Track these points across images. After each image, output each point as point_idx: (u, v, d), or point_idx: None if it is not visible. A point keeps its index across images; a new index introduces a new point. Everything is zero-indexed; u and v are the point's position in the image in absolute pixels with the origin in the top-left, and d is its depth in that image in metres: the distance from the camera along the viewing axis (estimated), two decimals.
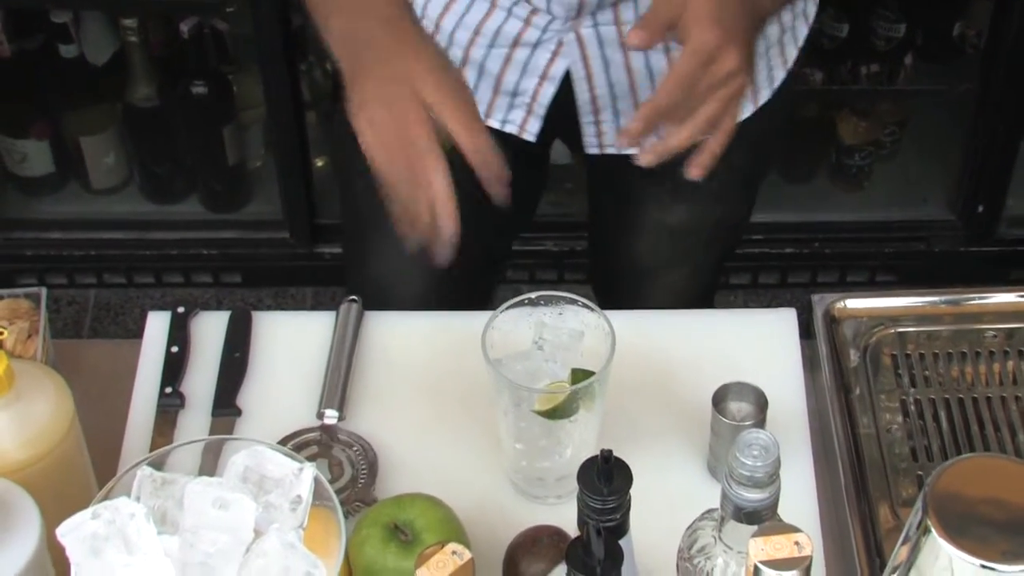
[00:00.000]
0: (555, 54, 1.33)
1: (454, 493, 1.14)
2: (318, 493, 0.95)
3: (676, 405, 1.23)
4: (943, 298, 1.30)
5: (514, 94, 1.37)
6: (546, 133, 1.40)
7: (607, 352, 1.12)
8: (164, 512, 0.90)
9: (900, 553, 0.89)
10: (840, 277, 2.43)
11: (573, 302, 1.16)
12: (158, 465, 0.97)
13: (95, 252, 2.41)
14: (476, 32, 1.34)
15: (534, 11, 1.31)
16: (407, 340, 1.30)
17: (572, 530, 1.01)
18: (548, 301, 1.16)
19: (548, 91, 1.36)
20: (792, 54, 1.41)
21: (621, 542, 0.95)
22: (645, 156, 1.14)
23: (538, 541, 1.09)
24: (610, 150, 1.41)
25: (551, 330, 1.16)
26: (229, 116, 2.34)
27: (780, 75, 1.40)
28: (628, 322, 1.20)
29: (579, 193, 1.52)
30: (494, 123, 1.40)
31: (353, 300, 1.32)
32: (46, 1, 2.14)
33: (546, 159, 1.55)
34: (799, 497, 1.15)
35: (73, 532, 0.87)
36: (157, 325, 1.31)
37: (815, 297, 1.29)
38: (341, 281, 2.42)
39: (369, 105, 1.13)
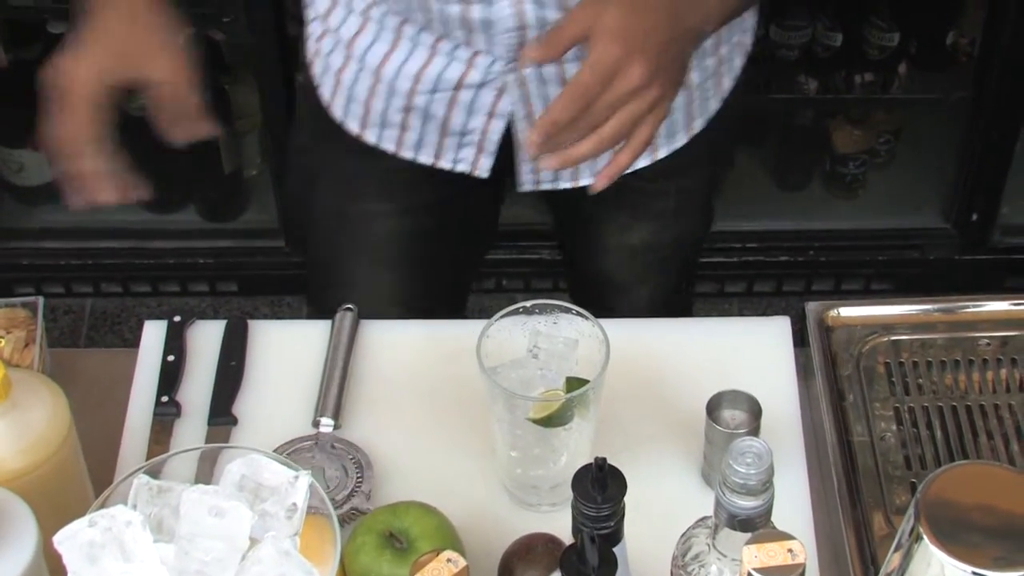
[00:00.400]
0: (500, 92, 1.33)
1: (449, 501, 1.15)
2: (313, 501, 0.96)
3: (670, 413, 1.24)
4: (937, 306, 1.30)
5: (463, 133, 1.37)
6: (495, 169, 1.40)
7: (601, 360, 1.12)
8: (160, 520, 0.90)
9: (892, 560, 0.90)
10: (835, 285, 2.44)
11: (567, 311, 1.16)
12: (154, 473, 0.98)
13: (92, 261, 2.41)
14: (417, 80, 1.34)
15: (476, 53, 1.30)
16: (402, 348, 1.31)
17: (567, 538, 1.02)
18: (543, 310, 1.16)
19: (497, 127, 1.35)
20: (728, 85, 1.41)
21: (615, 550, 0.95)
22: (595, 183, 1.16)
23: (533, 549, 1.10)
24: (546, 186, 1.41)
25: (546, 338, 1.17)
26: (225, 125, 2.34)
27: (715, 105, 1.41)
28: (622, 330, 1.20)
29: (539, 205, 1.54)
30: (445, 163, 1.40)
31: (348, 308, 1.32)
32: (44, 11, 2.15)
33: (502, 190, 1.54)
34: (793, 504, 1.15)
35: (70, 540, 0.87)
36: (153, 334, 1.32)
37: (809, 305, 1.30)
38: None
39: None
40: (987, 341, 1.28)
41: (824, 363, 1.26)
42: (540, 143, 1.11)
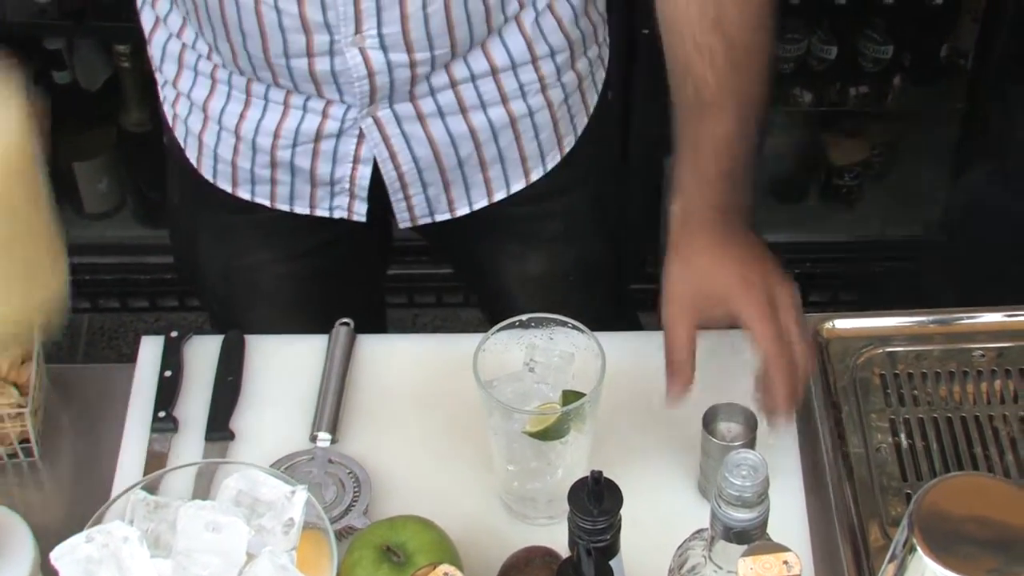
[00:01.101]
0: (360, 138, 1.33)
1: (446, 515, 1.15)
2: (310, 516, 0.96)
3: (666, 426, 1.24)
4: (932, 318, 1.31)
5: (332, 183, 1.37)
6: (372, 211, 1.40)
7: (598, 374, 1.13)
8: (157, 536, 0.91)
9: (887, 571, 0.90)
10: (832, 296, 2.44)
11: (564, 324, 1.16)
12: (152, 489, 0.98)
13: (89, 277, 2.41)
14: (276, 135, 1.34)
15: (329, 103, 1.30)
16: (399, 362, 1.31)
17: (564, 550, 1.02)
18: (539, 323, 1.17)
19: (365, 173, 1.36)
20: (593, 99, 1.42)
21: (612, 562, 0.96)
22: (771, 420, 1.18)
23: (530, 562, 1.10)
24: (423, 221, 1.41)
25: (542, 352, 1.17)
26: None
27: (583, 121, 1.41)
28: (619, 344, 1.21)
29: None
30: (322, 212, 1.40)
31: (345, 323, 1.33)
32: (40, 28, 2.15)
33: (387, 229, 1.53)
34: (789, 516, 1.15)
35: (67, 556, 0.88)
36: (150, 349, 1.32)
37: (804, 316, 1.30)
38: None
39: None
40: (982, 353, 1.29)
41: (819, 375, 1.26)
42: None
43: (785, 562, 0.86)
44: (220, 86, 1.33)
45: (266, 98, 1.32)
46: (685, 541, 0.99)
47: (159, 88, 1.42)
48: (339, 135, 1.33)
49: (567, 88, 1.37)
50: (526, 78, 1.34)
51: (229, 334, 1.33)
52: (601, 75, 1.42)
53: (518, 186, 1.41)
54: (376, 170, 1.36)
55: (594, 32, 1.38)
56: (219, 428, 1.25)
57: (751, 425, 1.16)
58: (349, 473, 1.21)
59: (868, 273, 2.41)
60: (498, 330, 1.16)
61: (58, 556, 0.88)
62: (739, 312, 1.16)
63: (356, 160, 1.35)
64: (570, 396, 1.13)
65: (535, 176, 1.41)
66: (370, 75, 1.26)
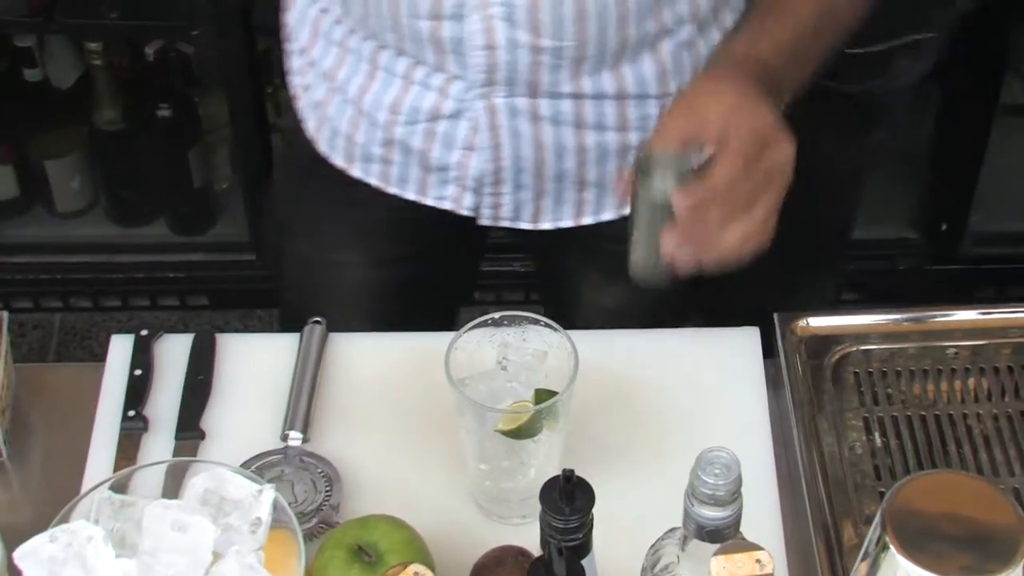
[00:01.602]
0: (476, 125, 1.31)
1: (418, 514, 1.14)
2: (278, 515, 0.95)
3: (640, 424, 1.24)
4: (906, 316, 1.30)
5: (443, 169, 1.35)
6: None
7: (570, 372, 1.12)
8: (123, 535, 0.90)
9: (860, 569, 0.90)
10: None
11: (536, 322, 1.16)
12: (120, 488, 0.97)
13: (61, 276, 2.40)
14: (394, 111, 1.33)
15: (449, 80, 1.29)
16: (371, 361, 1.30)
17: (536, 550, 1.01)
18: (511, 321, 1.16)
19: (476, 162, 1.34)
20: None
21: (584, 562, 0.95)
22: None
23: (503, 561, 1.09)
24: (504, 223, 1.40)
25: (515, 350, 1.16)
26: (195, 139, 2.34)
27: None
28: (592, 342, 1.20)
29: None
30: (431, 200, 1.39)
31: (317, 321, 1.32)
32: (10, 25, 2.14)
33: (481, 242, 1.53)
34: (762, 515, 1.15)
35: (30, 556, 0.87)
36: (120, 349, 1.31)
37: (777, 316, 1.29)
38: None
39: None
40: (956, 351, 1.29)
41: (793, 374, 1.26)
42: (685, 214, 1.08)
43: (758, 561, 0.86)
44: (349, 56, 1.33)
45: (391, 70, 1.31)
46: (658, 540, 0.99)
47: (289, 60, 1.42)
48: (455, 117, 1.31)
49: None
50: (652, 111, 1.31)
51: (199, 332, 1.32)
52: None
53: (607, 216, 1.38)
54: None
55: None
56: (189, 427, 1.24)
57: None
58: (321, 472, 1.20)
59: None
60: (470, 328, 1.16)
61: (21, 556, 0.87)
62: (709, 129, 1.10)
63: (470, 148, 1.33)
64: (543, 394, 1.12)
65: (628, 210, 1.38)
66: (491, 48, 1.24)
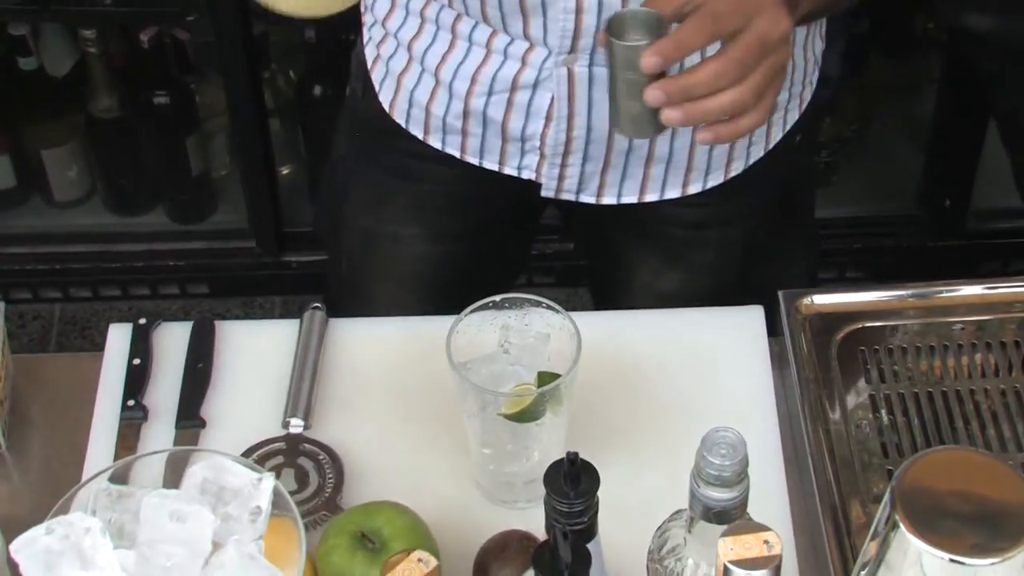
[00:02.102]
0: (554, 95, 1.29)
1: (422, 500, 1.13)
2: (279, 503, 0.94)
3: (644, 405, 1.23)
4: (910, 292, 1.29)
5: (523, 139, 1.33)
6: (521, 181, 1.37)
7: (573, 354, 1.11)
8: (121, 526, 0.89)
9: (869, 549, 0.89)
10: None
11: (538, 304, 1.15)
12: (120, 479, 0.96)
13: (60, 266, 2.39)
14: (473, 81, 1.31)
15: (530, 47, 1.27)
16: (373, 346, 1.29)
17: (542, 534, 1.00)
18: (513, 304, 1.15)
19: (555, 132, 1.32)
20: (776, 135, 1.36)
21: (589, 545, 0.94)
22: (704, 133, 1.06)
23: (507, 546, 1.08)
24: (566, 196, 1.37)
25: (516, 333, 1.15)
26: (192, 126, 2.32)
27: (758, 152, 1.37)
28: (595, 323, 1.19)
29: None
30: (511, 170, 1.37)
31: (317, 307, 1.30)
32: (3, 13, 2.12)
33: (535, 222, 1.52)
34: (769, 495, 1.14)
35: (27, 548, 0.86)
36: (118, 338, 1.30)
37: (781, 293, 1.28)
38: (309, 289, 2.42)
39: None
40: (962, 326, 1.27)
41: (798, 352, 1.25)
42: (654, 68, 1.00)
43: (766, 541, 0.85)
44: (428, 25, 1.32)
45: (470, 39, 1.30)
46: (664, 522, 0.98)
47: (364, 30, 1.41)
48: (535, 87, 1.29)
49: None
50: None
51: (198, 320, 1.31)
52: (794, 116, 1.37)
53: (672, 193, 1.36)
54: None
55: (804, 67, 1.34)
56: (189, 416, 1.23)
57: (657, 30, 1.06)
58: (323, 459, 1.19)
59: (845, 250, 2.40)
60: (471, 311, 1.14)
61: (17, 548, 0.86)
62: None
63: (548, 117, 1.31)
64: (546, 377, 1.11)
65: (692, 190, 1.36)
66: (578, 11, 1.22)
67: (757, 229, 1.46)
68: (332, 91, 2.23)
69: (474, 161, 1.38)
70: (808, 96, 1.39)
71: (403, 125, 1.39)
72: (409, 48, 1.35)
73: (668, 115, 1.03)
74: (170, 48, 2.25)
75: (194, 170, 2.35)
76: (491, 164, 1.37)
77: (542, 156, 1.34)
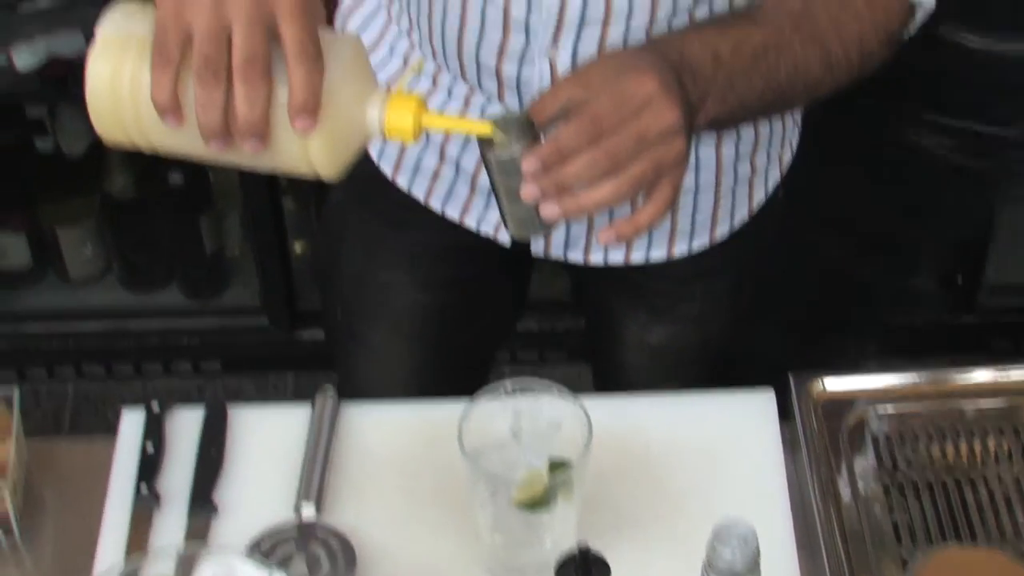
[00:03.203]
0: None
1: None
2: None
3: (656, 491, 1.22)
4: (922, 377, 1.29)
5: (489, 194, 1.35)
6: (514, 255, 1.38)
7: (584, 441, 1.11)
8: None
9: None
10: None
11: (549, 390, 1.15)
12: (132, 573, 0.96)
13: (74, 344, 2.40)
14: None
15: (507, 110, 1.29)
16: (384, 430, 1.29)
17: None
18: (525, 389, 1.15)
19: None
20: (760, 198, 1.39)
21: None
22: (604, 233, 1.06)
23: None
24: (555, 256, 1.39)
25: (528, 419, 1.15)
26: (206, 204, 2.34)
27: (742, 215, 1.38)
28: (606, 407, 1.19)
29: (562, 274, 1.51)
30: (470, 223, 1.38)
31: (328, 390, 1.31)
32: (23, 96, 2.15)
33: (528, 270, 1.53)
34: None
35: None
36: (132, 423, 1.30)
37: (792, 376, 1.28)
38: (322, 366, 2.41)
39: None
40: (975, 411, 1.27)
41: (809, 436, 1.24)
42: (536, 173, 1.00)
43: None
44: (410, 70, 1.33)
45: (449, 92, 1.31)
46: None
47: None
48: None
49: (739, 178, 1.34)
50: (704, 154, 1.30)
51: (211, 404, 1.31)
52: (776, 176, 1.39)
53: (658, 256, 1.37)
54: None
55: (783, 130, 1.36)
56: (202, 502, 1.23)
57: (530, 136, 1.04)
58: (335, 545, 1.19)
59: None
60: (483, 398, 1.15)
61: None
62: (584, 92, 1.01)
63: None
64: (557, 465, 1.11)
65: (677, 253, 1.37)
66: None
67: (744, 282, 1.48)
68: None
69: (437, 207, 1.39)
70: (788, 157, 1.40)
71: (375, 160, 1.39)
72: (389, 86, 1.36)
73: (545, 210, 1.02)
74: None
75: (208, 248, 2.37)
76: (453, 212, 1.38)
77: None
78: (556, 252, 1.38)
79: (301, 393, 2.41)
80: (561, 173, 1.00)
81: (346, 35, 1.04)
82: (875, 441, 1.25)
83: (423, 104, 1.03)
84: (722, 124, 1.11)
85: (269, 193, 2.25)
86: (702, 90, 1.05)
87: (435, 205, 1.39)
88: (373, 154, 1.41)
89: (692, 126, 1.05)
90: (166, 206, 2.31)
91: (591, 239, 1.37)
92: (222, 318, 2.43)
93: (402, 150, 1.38)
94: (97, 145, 2.27)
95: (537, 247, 1.38)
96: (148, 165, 2.30)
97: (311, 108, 0.96)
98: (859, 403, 1.27)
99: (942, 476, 1.23)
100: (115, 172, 2.29)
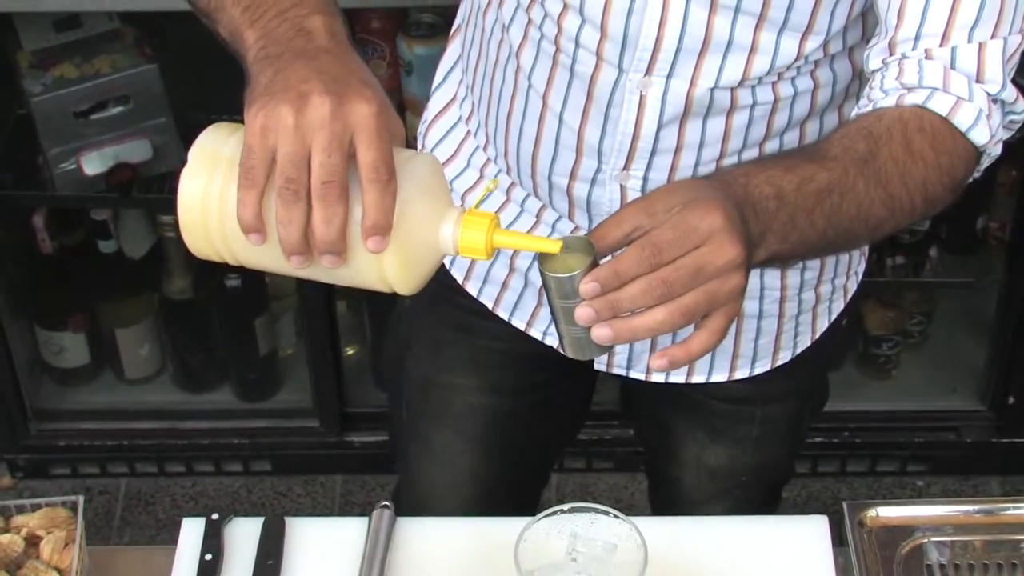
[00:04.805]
0: None
1: None
2: None
3: None
4: (977, 507, 1.29)
5: None
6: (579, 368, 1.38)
7: (640, 565, 1.12)
8: None
9: None
10: (870, 466, 2.42)
11: (606, 513, 1.16)
12: None
13: (127, 442, 2.42)
14: None
15: (575, 229, 1.32)
16: (440, 546, 1.30)
17: None
18: (581, 511, 1.16)
19: None
20: (822, 325, 1.41)
21: None
22: (657, 359, 1.05)
23: None
24: (617, 371, 1.41)
25: (584, 542, 1.16)
26: (261, 307, 2.37)
27: (805, 342, 1.40)
28: (661, 531, 1.20)
29: (609, 382, 1.53)
30: (536, 333, 1.41)
31: (385, 506, 1.32)
32: (87, 200, 2.20)
33: (592, 383, 1.55)
34: None
35: None
36: (191, 532, 1.31)
37: (846, 504, 1.29)
38: (371, 469, 2.44)
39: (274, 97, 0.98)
40: None
41: (862, 564, 1.25)
42: (593, 296, 1.00)
43: None
44: (484, 182, 1.37)
45: (522, 206, 1.35)
46: None
47: None
48: None
49: (803, 306, 1.37)
50: (769, 282, 1.33)
51: (269, 517, 1.33)
52: (840, 305, 1.41)
53: (719, 378, 1.40)
54: None
55: (848, 261, 1.38)
56: None
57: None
58: None
59: (907, 443, 2.40)
60: (540, 519, 1.16)
61: None
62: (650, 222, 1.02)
63: None
64: None
65: (739, 375, 1.40)
66: None
67: (802, 407, 1.49)
68: None
69: (504, 316, 1.41)
70: (853, 287, 1.42)
71: (447, 266, 1.42)
72: (463, 198, 1.39)
73: (597, 332, 1.01)
74: None
75: (262, 350, 2.40)
76: (519, 323, 1.41)
77: None
78: (618, 369, 1.40)
79: (349, 496, 2.42)
80: (616, 297, 1.01)
81: (423, 154, 1.06)
82: (929, 571, 1.25)
83: (497, 221, 1.05)
84: (783, 260, 1.13)
85: (324, 296, 2.28)
86: (763, 226, 1.06)
87: (502, 314, 1.42)
88: (445, 260, 1.43)
89: (751, 261, 1.06)
90: (223, 308, 2.35)
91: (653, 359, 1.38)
92: (273, 419, 2.45)
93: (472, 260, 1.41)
94: (157, 247, 2.33)
95: (600, 363, 1.40)
96: (206, 268, 2.33)
97: (382, 229, 0.98)
98: (913, 532, 1.27)
99: None
100: (174, 274, 2.32)
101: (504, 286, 1.41)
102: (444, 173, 1.07)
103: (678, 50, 1.18)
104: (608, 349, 1.08)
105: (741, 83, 1.20)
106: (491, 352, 1.46)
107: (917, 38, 1.11)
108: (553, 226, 1.33)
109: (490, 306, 1.42)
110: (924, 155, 1.11)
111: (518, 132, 1.29)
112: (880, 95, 1.12)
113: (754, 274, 1.29)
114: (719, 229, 1.01)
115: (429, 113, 1.45)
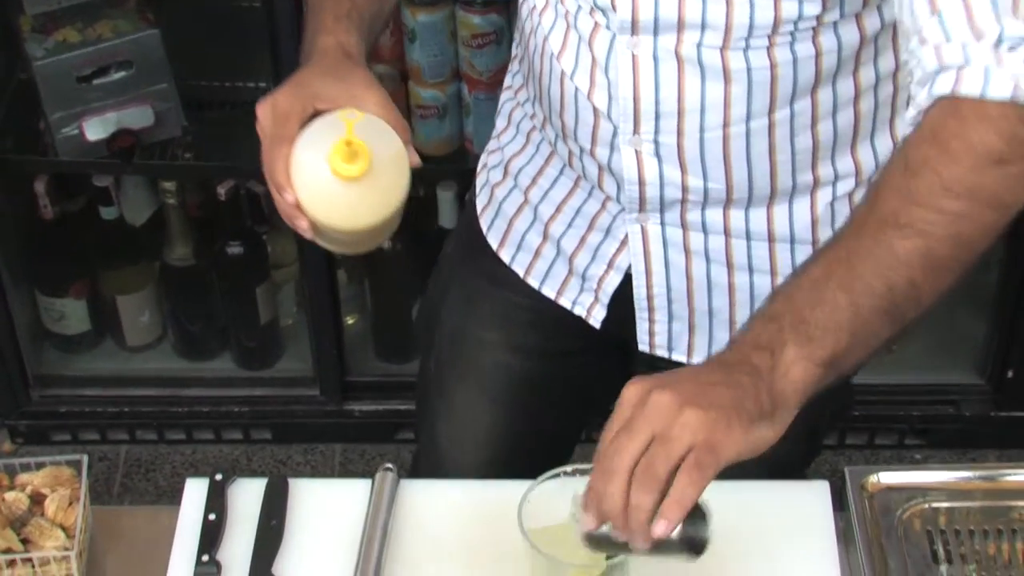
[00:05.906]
0: (623, 244, 1.36)
1: None
2: None
3: (718, 570, 1.23)
4: (976, 473, 1.30)
5: (584, 277, 1.40)
6: (620, 337, 1.40)
7: None
8: None
9: None
10: (868, 440, 2.43)
11: None
12: None
13: (128, 409, 2.43)
14: (558, 208, 1.39)
15: (607, 198, 1.34)
16: (443, 509, 1.31)
17: None
18: (584, 473, 1.16)
19: (613, 281, 1.38)
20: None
21: None
22: (658, 527, 1.04)
23: None
24: (659, 352, 1.41)
25: None
26: (263, 275, 2.37)
27: None
28: None
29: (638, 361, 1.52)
30: (565, 302, 1.43)
31: (388, 468, 1.33)
32: (89, 166, 2.19)
33: (627, 365, 1.51)
34: None
35: None
36: (195, 492, 1.32)
37: (848, 470, 1.29)
38: (370, 438, 2.45)
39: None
40: None
41: (863, 529, 1.25)
42: (592, 522, 1.04)
43: None
44: (530, 147, 1.41)
45: (561, 171, 1.38)
46: None
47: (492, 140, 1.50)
48: (607, 232, 1.36)
49: None
50: (801, 258, 1.32)
51: (272, 479, 1.33)
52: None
53: None
54: (627, 290, 1.36)
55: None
56: (262, 573, 1.25)
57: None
58: None
59: (906, 417, 2.40)
60: (543, 480, 1.16)
61: None
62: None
63: (610, 266, 1.38)
64: None
65: None
66: (641, 184, 1.29)
67: (819, 413, 1.46)
68: (397, 247, 2.28)
69: (535, 284, 1.43)
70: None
71: (484, 231, 1.45)
72: (508, 163, 1.43)
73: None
74: (244, 200, 2.30)
75: (262, 318, 2.40)
76: (549, 291, 1.43)
77: (596, 299, 1.39)
78: (660, 350, 1.41)
79: (348, 465, 2.43)
80: (602, 507, 1.04)
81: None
82: (929, 535, 1.26)
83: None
84: (839, 361, 1.09)
85: (326, 265, 2.28)
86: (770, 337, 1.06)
87: (533, 283, 1.44)
88: (484, 222, 1.46)
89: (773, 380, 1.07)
90: (224, 276, 2.35)
91: (694, 341, 1.40)
92: (273, 388, 2.45)
93: (509, 225, 1.43)
94: (159, 214, 2.33)
95: (643, 343, 1.41)
96: (207, 235, 2.34)
97: None
98: (913, 496, 1.28)
99: (996, 573, 1.23)
100: (175, 241, 2.32)
101: (537, 254, 1.43)
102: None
103: (656, 4, 1.19)
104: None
105: (726, 43, 1.20)
106: (521, 309, 1.47)
107: (915, 31, 1.10)
108: (591, 192, 1.35)
109: (521, 274, 1.44)
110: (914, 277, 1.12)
111: (548, 97, 1.32)
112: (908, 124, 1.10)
113: (785, 247, 1.33)
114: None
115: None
